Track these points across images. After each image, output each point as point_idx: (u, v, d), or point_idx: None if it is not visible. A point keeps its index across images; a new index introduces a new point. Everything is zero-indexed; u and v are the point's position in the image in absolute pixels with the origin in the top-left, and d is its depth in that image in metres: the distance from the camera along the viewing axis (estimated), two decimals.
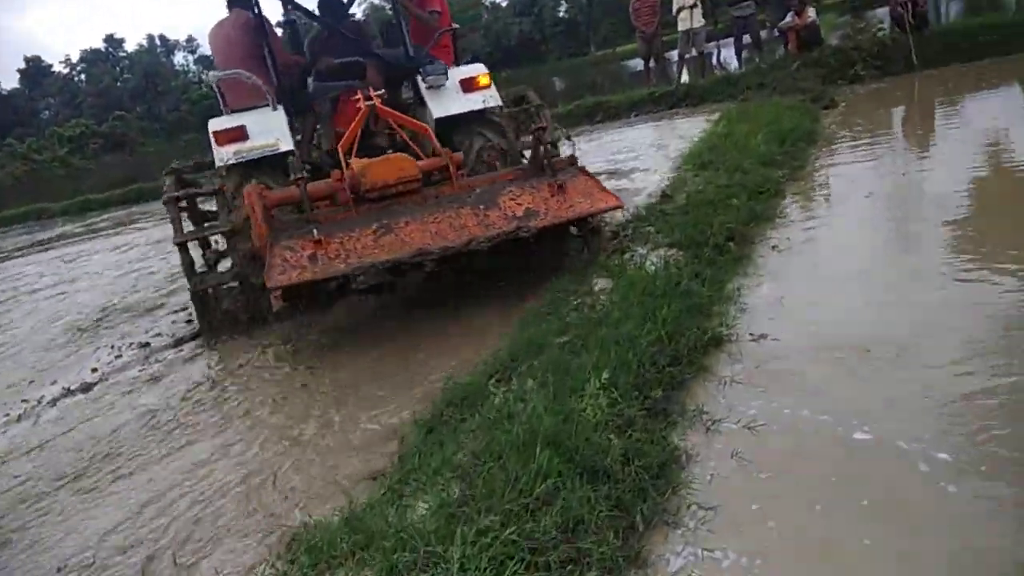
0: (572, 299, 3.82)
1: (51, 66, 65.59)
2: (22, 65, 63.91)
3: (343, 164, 4.25)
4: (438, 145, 4.56)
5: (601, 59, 49.48)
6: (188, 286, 4.85)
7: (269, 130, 4.71)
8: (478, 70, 5.14)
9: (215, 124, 4.78)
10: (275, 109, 4.85)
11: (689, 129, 9.35)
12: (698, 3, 12.14)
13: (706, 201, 4.93)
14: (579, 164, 4.45)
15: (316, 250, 3.76)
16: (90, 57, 65.82)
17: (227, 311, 4.75)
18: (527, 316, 3.70)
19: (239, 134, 4.67)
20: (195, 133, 57.84)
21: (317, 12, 5.53)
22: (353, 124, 4.44)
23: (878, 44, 10.79)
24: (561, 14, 57.22)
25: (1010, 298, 3.16)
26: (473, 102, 5.02)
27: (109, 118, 53.17)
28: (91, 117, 53.94)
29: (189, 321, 5.34)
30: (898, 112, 9.20)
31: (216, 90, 5.12)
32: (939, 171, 5.74)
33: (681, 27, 12.36)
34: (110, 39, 66.64)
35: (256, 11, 4.94)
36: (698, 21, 12.22)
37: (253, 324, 4.74)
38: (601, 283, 3.97)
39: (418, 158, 4.40)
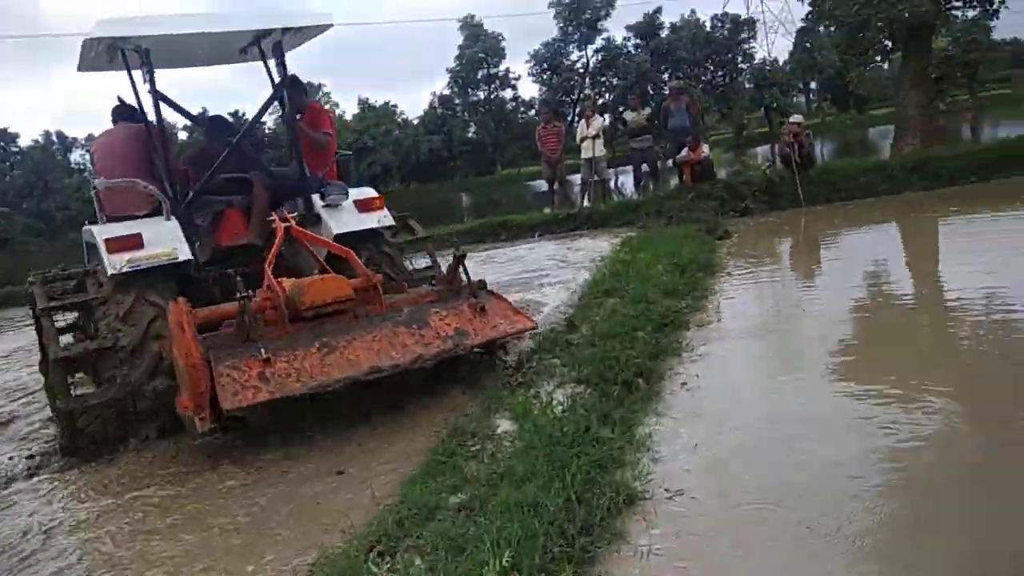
0: (472, 443, 3.46)
1: None
2: None
3: (272, 283, 4.20)
4: (362, 266, 4.60)
5: (507, 178, 51.45)
6: (53, 405, 4.46)
7: (165, 239, 4.56)
8: (371, 192, 5.40)
9: (105, 231, 4.53)
10: (168, 219, 4.72)
11: (592, 250, 9.52)
12: (600, 134, 12.72)
13: (612, 333, 4.78)
14: (488, 288, 4.71)
15: (264, 369, 3.70)
16: None
17: (91, 433, 4.35)
18: (421, 466, 3.28)
19: (134, 242, 4.46)
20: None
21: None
22: (274, 244, 4.51)
23: (767, 180, 11.50)
24: (470, 134, 59.47)
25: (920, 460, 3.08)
26: (370, 221, 5.21)
27: None
28: None
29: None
30: (787, 245, 9.68)
31: (96, 199, 5.05)
32: (828, 302, 6.02)
33: (584, 155, 12.85)
34: (3, 133, 63.82)
35: (147, 123, 4.97)
36: (600, 150, 12.76)
37: (115, 448, 4.34)
38: (504, 425, 3.65)
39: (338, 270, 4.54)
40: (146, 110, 4.98)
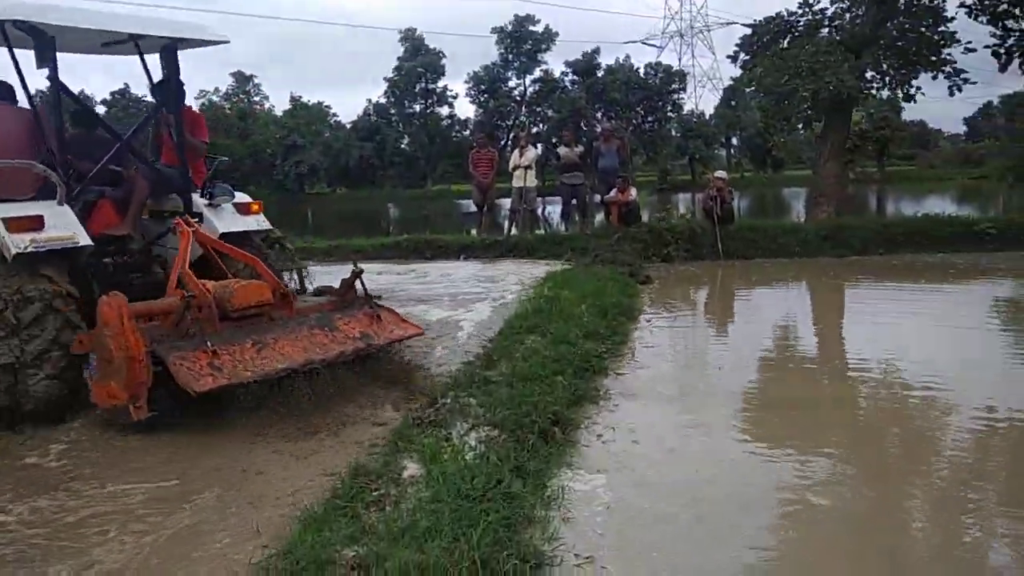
0: (375, 487, 3.22)
1: None
2: None
3: (195, 285, 4.40)
4: (271, 274, 4.95)
5: (437, 194, 51.09)
6: None
7: (64, 224, 4.58)
8: (248, 198, 5.81)
9: (3, 210, 4.42)
10: (61, 204, 4.69)
11: (516, 274, 9.47)
12: (532, 165, 12.73)
13: (532, 375, 4.64)
14: (378, 300, 5.25)
15: (212, 360, 4.01)
16: None
17: None
18: (317, 510, 3.00)
19: (36, 223, 4.45)
20: None
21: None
22: (181, 248, 4.69)
23: (689, 229, 11.76)
24: (403, 146, 58.91)
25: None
26: (251, 223, 5.64)
27: None
28: None
29: None
30: (705, 296, 9.88)
31: None
32: (740, 358, 6.17)
33: (515, 184, 12.81)
34: None
35: (35, 108, 4.99)
36: (531, 181, 12.75)
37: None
38: (412, 468, 3.42)
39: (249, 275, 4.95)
40: (30, 93, 4.97)
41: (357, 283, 5.10)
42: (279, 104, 62.44)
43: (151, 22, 5.47)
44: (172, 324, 4.22)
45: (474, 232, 13.66)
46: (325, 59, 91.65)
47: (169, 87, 5.53)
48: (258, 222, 5.68)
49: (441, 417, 4.10)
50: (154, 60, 5.71)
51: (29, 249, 4.33)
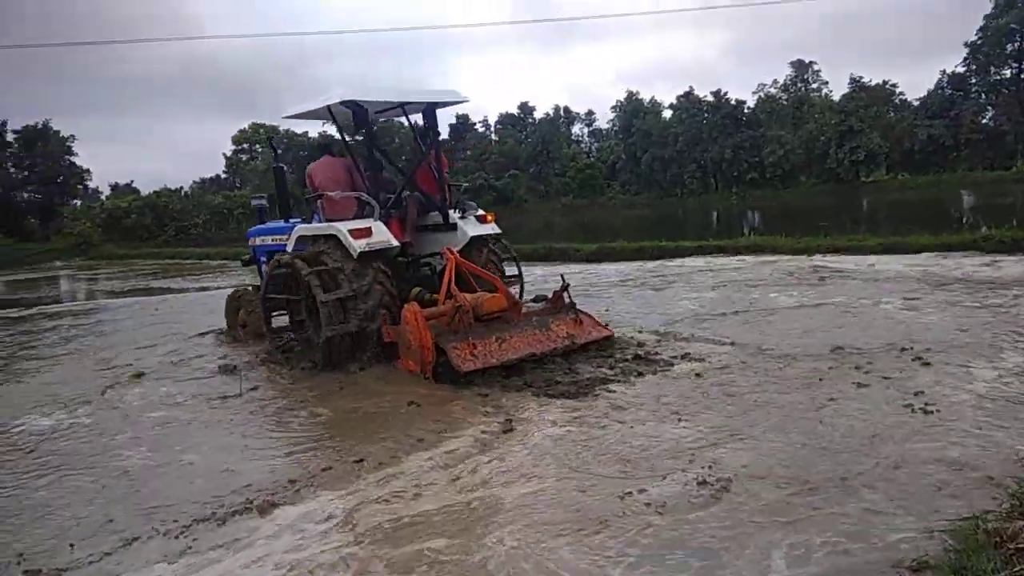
0: None
1: (475, 124, 77.28)
2: (453, 121, 76.49)
3: (461, 298, 6.27)
4: (505, 288, 6.89)
5: None
6: (317, 334, 6.85)
7: (382, 233, 6.87)
8: (484, 211, 7.89)
9: (345, 226, 6.75)
10: (377, 220, 6.98)
11: None
12: None
13: None
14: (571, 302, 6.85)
15: (471, 350, 5.99)
16: (505, 120, 76.05)
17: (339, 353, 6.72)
18: None
19: (367, 233, 6.76)
20: (572, 198, 62.93)
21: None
22: (446, 273, 6.64)
23: None
24: (984, 120, 49.70)
25: None
26: (487, 229, 7.70)
27: (505, 175, 60.50)
28: (491, 172, 62.00)
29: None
30: None
31: (322, 206, 7.30)
32: None
33: None
34: (524, 106, 76.30)
35: (352, 160, 7.45)
36: None
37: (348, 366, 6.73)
38: None
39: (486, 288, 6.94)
40: (350, 148, 7.52)
41: (565, 294, 6.83)
42: (838, 88, 59.60)
43: (424, 94, 7.61)
44: (446, 324, 6.22)
45: None
46: (889, 32, 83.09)
47: (431, 137, 7.72)
48: (492, 228, 7.73)
49: None
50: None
51: (365, 249, 6.65)
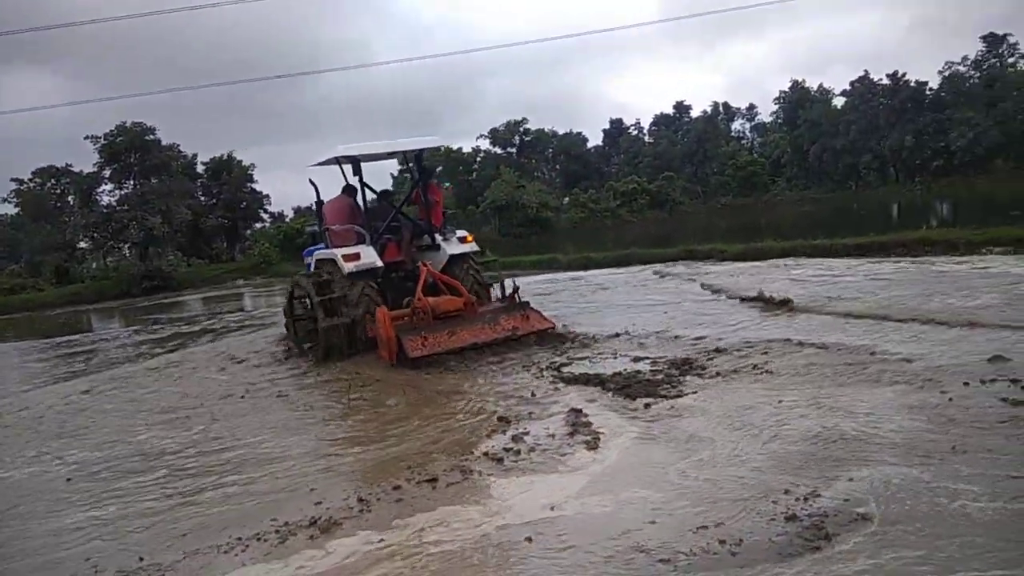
0: None
1: (628, 127, 76.24)
2: (607, 126, 75.98)
3: (423, 302, 8.25)
4: (465, 291, 8.68)
5: None
6: (316, 327, 9.01)
7: (370, 256, 8.86)
8: (465, 233, 9.67)
9: (340, 252, 8.78)
10: (368, 246, 9.02)
11: None
12: None
13: None
14: (527, 303, 8.79)
15: (424, 341, 7.88)
16: (659, 120, 74.33)
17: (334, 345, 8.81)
18: None
19: (356, 257, 8.75)
20: (732, 198, 60.00)
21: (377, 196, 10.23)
22: (420, 280, 8.49)
23: None
24: None
25: None
26: (466, 248, 9.50)
27: (659, 177, 59.13)
28: (644, 175, 60.83)
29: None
30: None
31: (328, 237, 9.46)
32: None
33: None
34: (679, 105, 74.19)
35: (353, 199, 9.59)
36: None
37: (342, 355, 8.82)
38: None
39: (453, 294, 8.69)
40: (355, 188, 9.50)
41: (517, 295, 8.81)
42: None
43: (404, 143, 9.68)
44: (408, 322, 8.23)
45: None
46: None
47: (420, 175, 9.85)
48: (472, 247, 9.57)
49: None
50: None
51: (353, 270, 8.66)
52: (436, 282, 8.69)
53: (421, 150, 9.69)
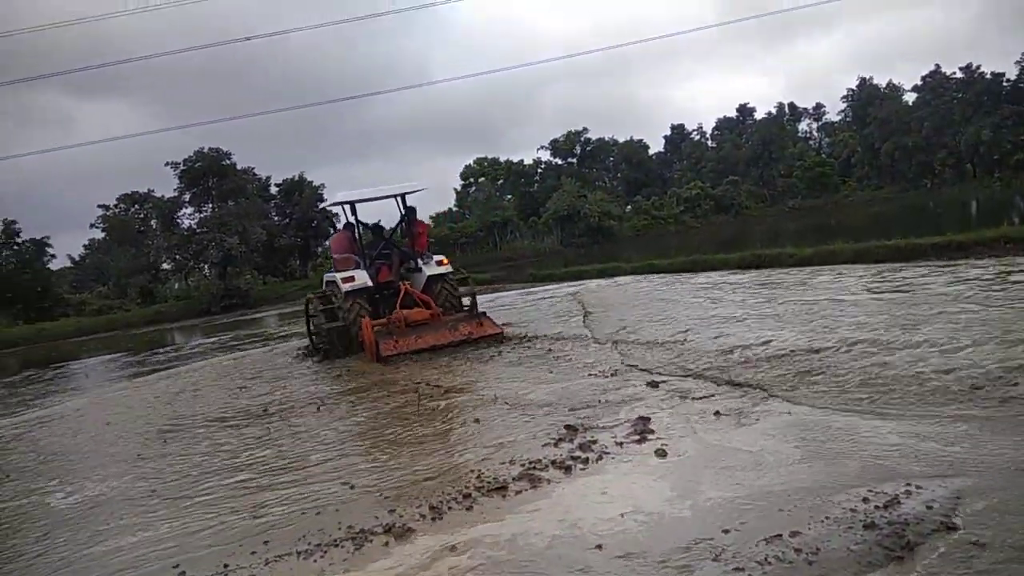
0: None
1: (690, 132, 75.24)
2: (668, 132, 75.12)
3: (399, 313, 10.72)
4: (433, 304, 11.17)
5: None
6: (319, 330, 12.07)
7: (363, 278, 11.22)
8: (442, 258, 11.96)
9: (340, 276, 11.26)
10: (362, 270, 11.41)
11: None
12: None
13: None
14: (482, 311, 11.38)
15: (396, 343, 10.17)
16: (722, 124, 73.09)
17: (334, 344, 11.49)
18: None
19: (352, 280, 11.11)
20: (801, 199, 58.26)
21: (371, 229, 12.95)
22: (401, 296, 11.04)
23: None
24: None
25: None
26: (442, 269, 11.75)
27: (723, 182, 58.06)
28: (708, 180, 59.83)
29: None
30: None
31: (333, 263, 12.30)
32: None
33: None
34: (742, 108, 72.82)
35: (352, 233, 12.17)
36: None
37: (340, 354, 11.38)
38: None
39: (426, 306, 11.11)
40: (353, 224, 12.19)
41: (474, 302, 11.84)
42: None
43: (389, 189, 12.21)
44: (384, 328, 10.43)
45: None
46: None
47: (405, 212, 12.31)
48: (447, 270, 11.74)
49: None
50: None
51: (349, 289, 11.03)
52: (414, 297, 11.09)
53: (404, 193, 12.23)
